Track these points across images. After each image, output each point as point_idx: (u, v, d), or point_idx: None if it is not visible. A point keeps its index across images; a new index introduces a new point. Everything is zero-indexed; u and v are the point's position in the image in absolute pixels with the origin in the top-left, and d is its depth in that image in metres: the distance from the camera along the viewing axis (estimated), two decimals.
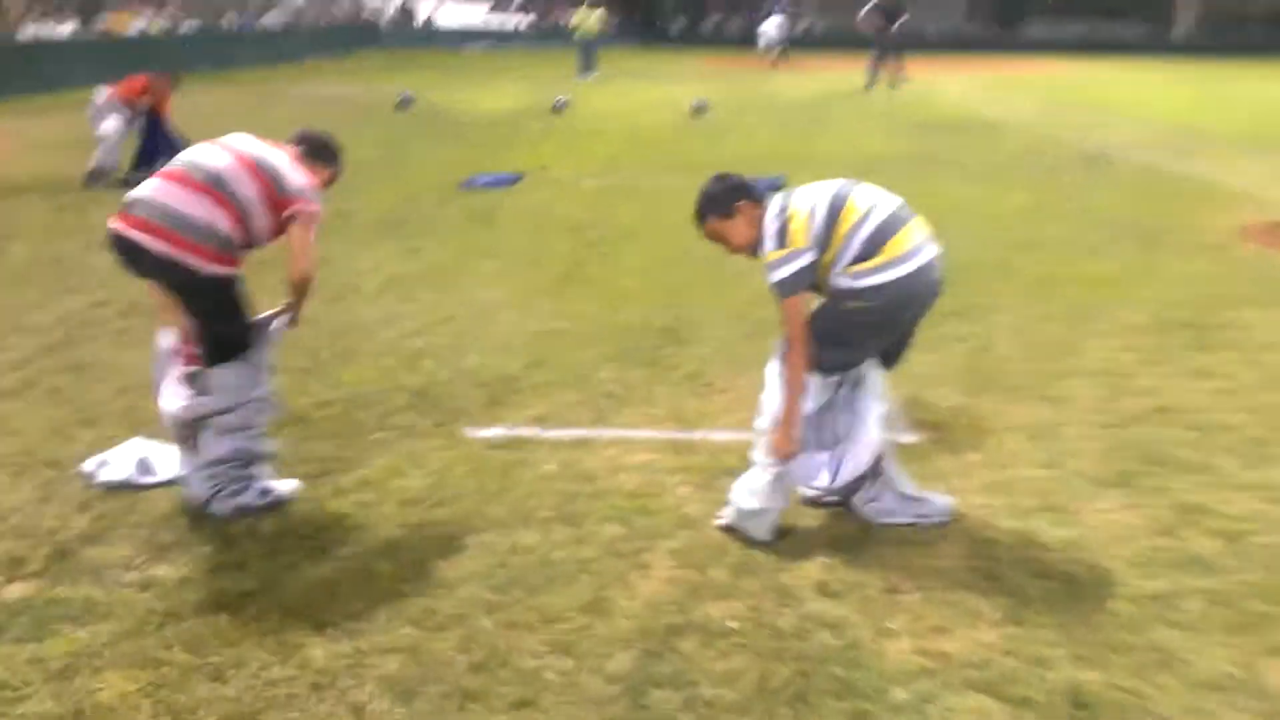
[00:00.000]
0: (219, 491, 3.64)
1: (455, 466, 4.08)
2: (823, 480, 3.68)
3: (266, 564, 3.32)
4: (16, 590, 3.17)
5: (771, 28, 30.33)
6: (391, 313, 6.11)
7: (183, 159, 3.68)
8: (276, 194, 3.63)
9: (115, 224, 3.55)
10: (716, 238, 3.65)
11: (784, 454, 3.50)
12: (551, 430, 4.44)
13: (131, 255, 3.54)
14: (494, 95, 19.83)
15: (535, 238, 8.09)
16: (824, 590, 3.23)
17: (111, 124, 10.17)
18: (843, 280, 3.39)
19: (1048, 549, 3.51)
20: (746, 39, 37.46)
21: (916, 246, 3.45)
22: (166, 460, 3.94)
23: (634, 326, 5.88)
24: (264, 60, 28.05)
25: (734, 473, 3.98)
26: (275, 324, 3.80)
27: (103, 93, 10.28)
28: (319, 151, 3.95)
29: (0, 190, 9.85)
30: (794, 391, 3.46)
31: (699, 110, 16.88)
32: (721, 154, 12.66)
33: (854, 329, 3.47)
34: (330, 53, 32.57)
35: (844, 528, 3.63)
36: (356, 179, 10.77)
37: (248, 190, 3.59)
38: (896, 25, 22.60)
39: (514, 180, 10.52)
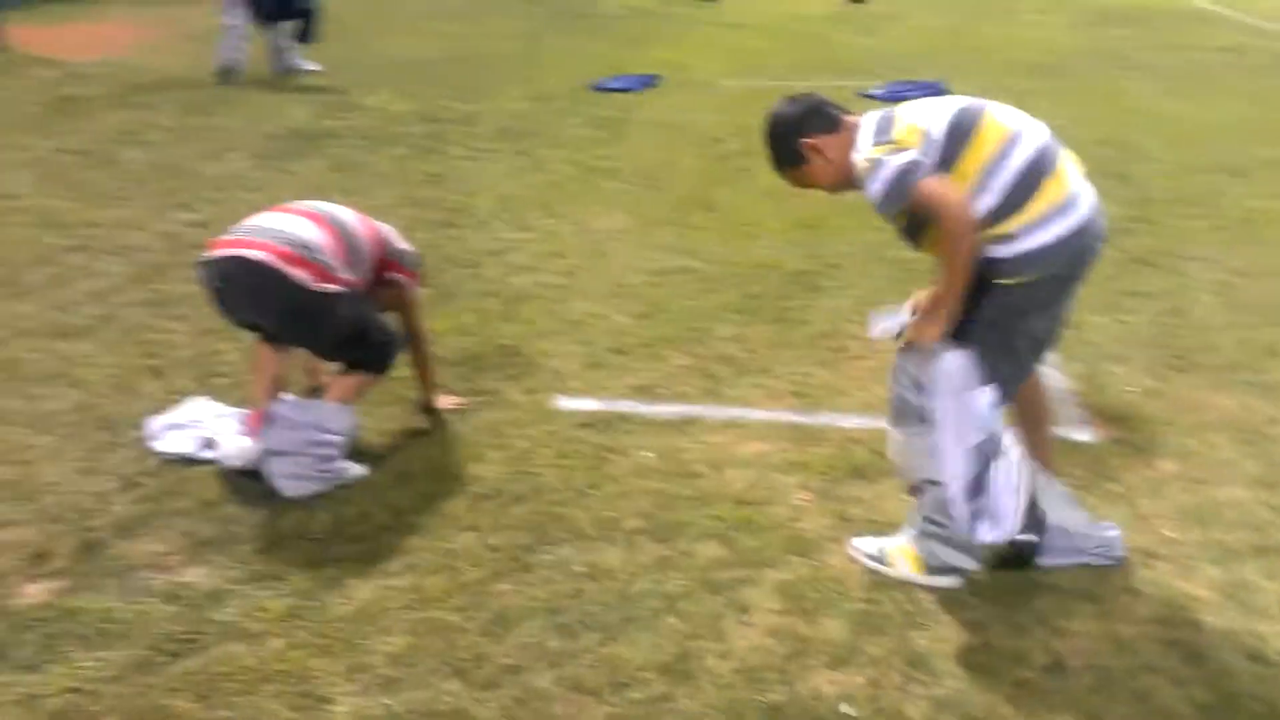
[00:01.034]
0: (285, 473, 3.26)
1: (540, 449, 3.55)
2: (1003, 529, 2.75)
3: (307, 577, 2.88)
4: (33, 594, 2.82)
5: None
6: (502, 242, 5.58)
7: (288, 208, 3.48)
8: (385, 250, 3.54)
9: (206, 254, 3.30)
10: (804, 184, 2.84)
11: (929, 338, 2.65)
12: (655, 405, 3.86)
13: (230, 278, 3.21)
14: None
15: (663, 152, 7.38)
16: (967, 662, 2.58)
17: (233, 15, 9.79)
18: (991, 249, 2.53)
19: (1266, 615, 2.76)
20: None
21: (1079, 189, 2.59)
22: (231, 436, 3.54)
23: (762, 267, 5.18)
24: None
25: (864, 473, 3.36)
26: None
27: None
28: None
29: (135, 86, 9.63)
30: (956, 277, 2.53)
31: None
32: (878, 49, 11.53)
33: (1021, 319, 2.61)
34: None
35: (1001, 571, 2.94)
36: (485, 78, 10.29)
37: (354, 226, 3.43)
38: None
39: (649, 82, 9.75)
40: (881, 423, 3.11)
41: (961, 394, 2.63)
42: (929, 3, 15.51)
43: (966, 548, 2.78)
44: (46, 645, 2.63)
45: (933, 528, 2.79)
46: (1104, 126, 7.85)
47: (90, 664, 2.57)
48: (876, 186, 2.54)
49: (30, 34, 12.23)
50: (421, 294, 3.76)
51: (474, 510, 3.21)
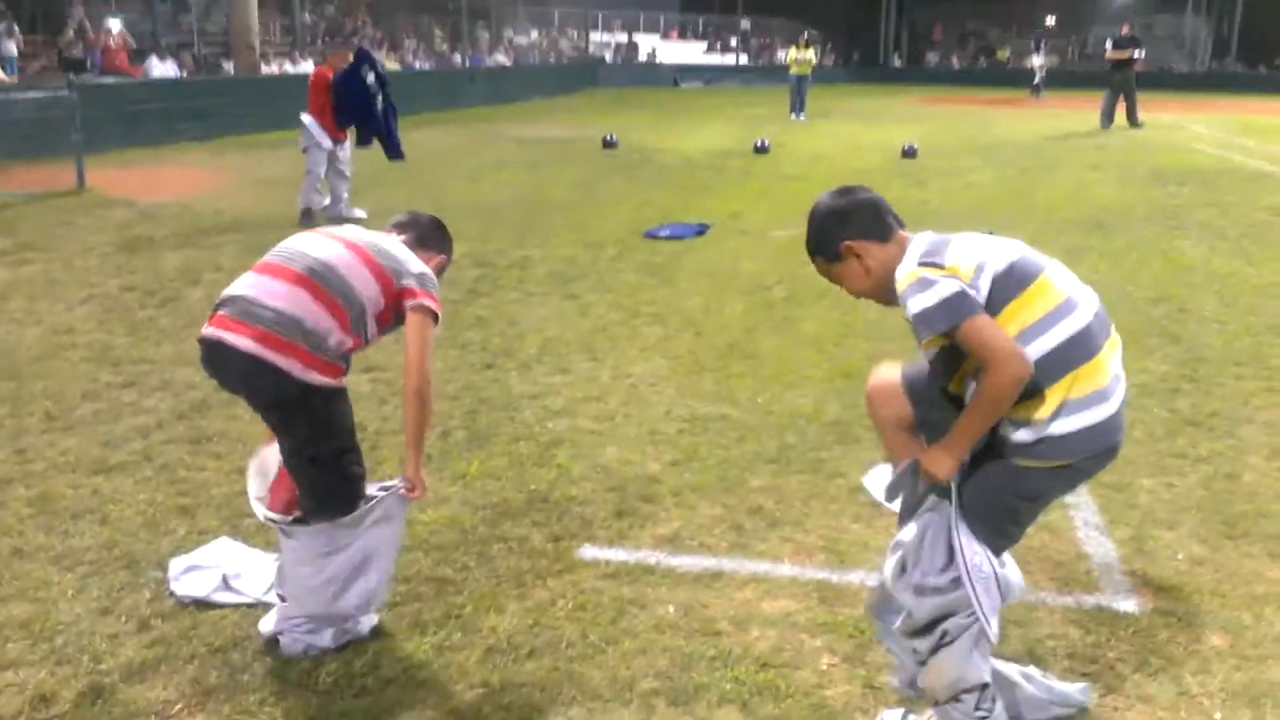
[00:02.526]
0: (292, 627, 3.16)
1: (560, 601, 3.46)
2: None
3: None
4: None
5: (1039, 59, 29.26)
6: (540, 386, 5.60)
7: (283, 247, 3.19)
8: (394, 284, 3.11)
9: (204, 329, 3.07)
10: (832, 279, 2.72)
11: (944, 471, 2.47)
12: (680, 557, 3.76)
13: (217, 362, 3.05)
14: (700, 135, 19.42)
15: (709, 298, 7.44)
16: None
17: (313, 159, 10.27)
18: (1011, 430, 2.39)
19: None
20: (970, 74, 35.91)
21: (1116, 377, 2.44)
22: (254, 573, 3.51)
23: (800, 416, 5.13)
24: (489, 100, 28.72)
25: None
26: (388, 499, 3.15)
27: (308, 120, 10.31)
28: (427, 237, 3.41)
29: (202, 228, 10.06)
30: (985, 420, 2.38)
31: (909, 154, 15.87)
32: (928, 203, 11.68)
33: (1034, 501, 2.49)
34: (553, 91, 33.13)
35: None
36: (543, 223, 10.58)
37: (359, 282, 3.06)
38: (1136, 56, 20.75)
39: (700, 231, 9.93)
40: None
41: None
42: (983, 159, 15.79)
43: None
44: None
45: (957, 706, 2.64)
46: (1156, 285, 7.78)
47: None
48: (919, 301, 2.35)
49: (110, 176, 12.91)
50: (437, 309, 3.17)
51: (485, 665, 3.11)
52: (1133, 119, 20.98)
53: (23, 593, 3.48)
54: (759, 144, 16.64)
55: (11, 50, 21.70)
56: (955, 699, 2.55)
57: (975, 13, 53.24)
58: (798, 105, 24.28)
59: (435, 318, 3.16)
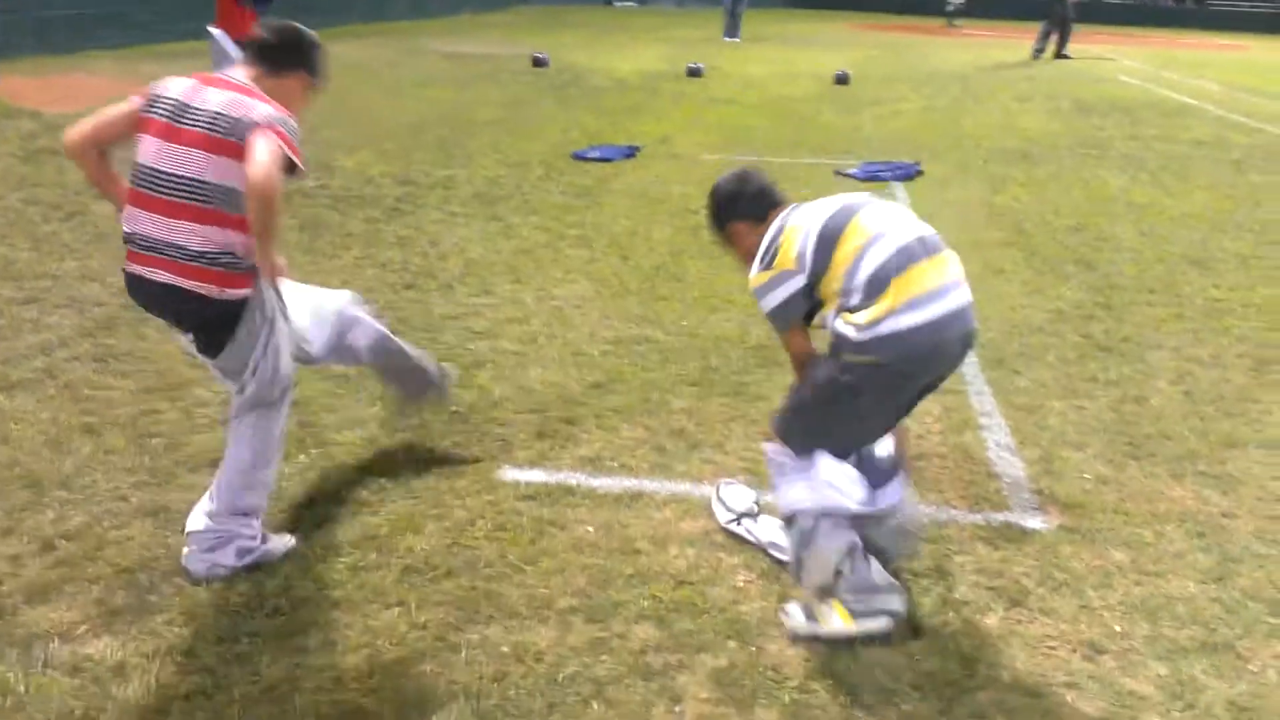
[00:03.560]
0: (193, 544, 3.09)
1: (478, 522, 3.44)
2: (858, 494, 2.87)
3: (217, 653, 2.75)
4: None
5: None
6: (463, 307, 5.52)
7: (144, 169, 2.92)
8: (238, 144, 2.80)
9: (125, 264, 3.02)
10: (723, 248, 3.25)
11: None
12: (601, 478, 3.76)
13: (141, 293, 3.03)
14: (633, 57, 19.08)
15: (636, 221, 7.37)
16: None
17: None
18: (842, 328, 2.76)
19: (1210, 715, 2.65)
20: (910, 2, 35.80)
21: (938, 288, 2.74)
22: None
23: (725, 340, 5.13)
24: (415, 13, 27.77)
25: None
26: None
27: (217, 33, 9.89)
28: (282, 57, 3.03)
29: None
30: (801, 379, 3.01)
31: (842, 80, 15.81)
32: (859, 130, 11.67)
33: (856, 396, 2.77)
34: (482, 6, 32.18)
35: (939, 662, 2.84)
36: (468, 142, 10.34)
37: (223, 176, 2.82)
38: None
39: (629, 153, 9.81)
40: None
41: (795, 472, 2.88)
42: (914, 88, 15.79)
43: (881, 587, 2.85)
44: None
45: (841, 579, 2.83)
46: (1076, 214, 7.90)
47: None
48: (765, 304, 2.90)
49: (16, 85, 12.28)
50: (281, 150, 2.79)
51: (402, 584, 3.09)
52: (1061, 51, 21.13)
53: None
54: (692, 67, 16.43)
55: None
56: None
57: None
58: (732, 28, 23.98)
59: (285, 149, 2.80)
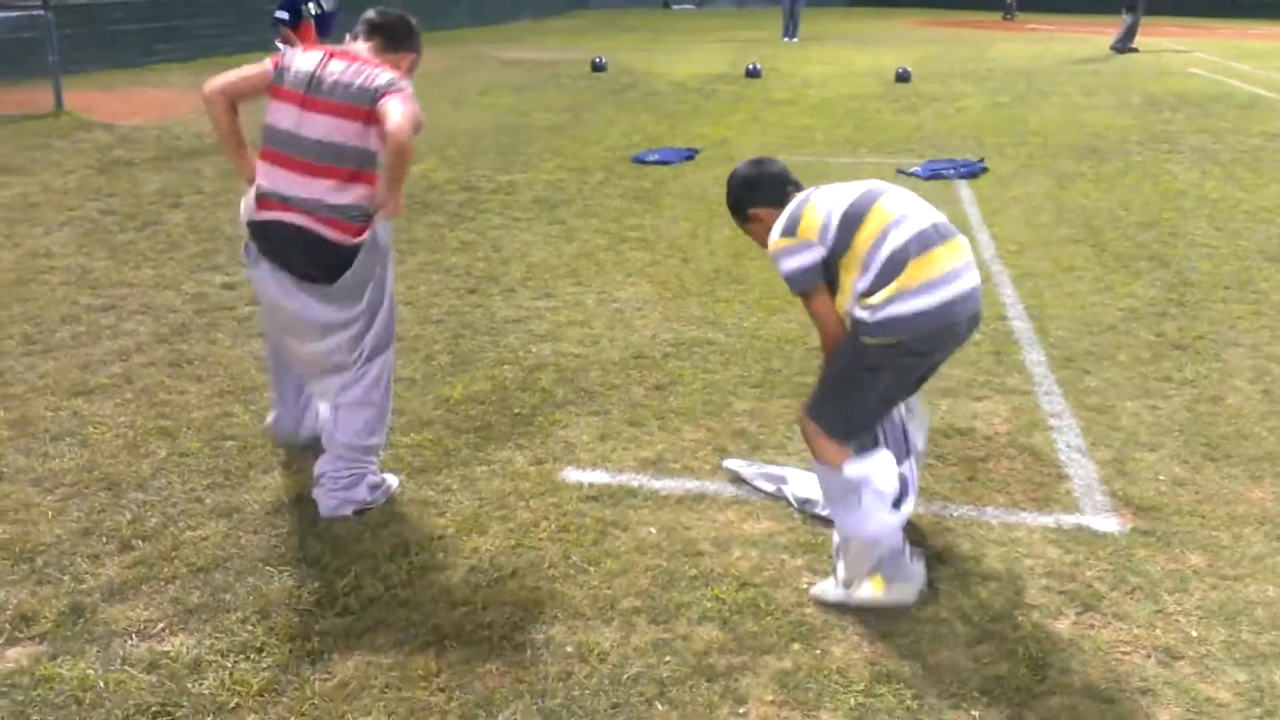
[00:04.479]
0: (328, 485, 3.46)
1: (542, 523, 3.47)
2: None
3: (290, 650, 2.80)
4: (12, 659, 2.77)
5: None
6: (525, 310, 5.56)
7: (283, 133, 3.29)
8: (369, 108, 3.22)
9: (255, 214, 3.34)
10: (745, 234, 3.29)
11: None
12: (663, 479, 3.76)
13: (273, 236, 3.33)
14: (691, 60, 19.09)
15: (696, 223, 7.37)
16: None
17: None
18: (859, 312, 2.87)
19: None
20: None
21: (952, 271, 2.88)
22: None
23: (786, 341, 5.11)
24: (475, 21, 28.05)
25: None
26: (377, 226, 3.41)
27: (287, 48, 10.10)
28: (394, 38, 3.49)
29: (184, 151, 9.89)
30: (824, 346, 3.12)
31: (903, 78, 15.65)
32: (921, 128, 11.54)
33: (877, 374, 2.91)
34: (541, 12, 32.42)
35: (1008, 666, 2.79)
36: (529, 148, 10.43)
37: (356, 139, 3.24)
38: None
39: (688, 156, 9.81)
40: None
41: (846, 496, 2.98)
42: (976, 84, 15.58)
43: (909, 556, 3.03)
44: (17, 713, 2.57)
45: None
46: (1147, 210, 7.73)
47: None
48: (784, 267, 2.96)
49: (88, 98, 12.66)
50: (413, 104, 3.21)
51: (468, 584, 3.12)
52: (1129, 44, 20.68)
53: (3, 514, 3.47)
54: (751, 68, 16.39)
55: None
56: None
57: None
58: (791, 28, 23.86)
59: (409, 97, 3.24)
